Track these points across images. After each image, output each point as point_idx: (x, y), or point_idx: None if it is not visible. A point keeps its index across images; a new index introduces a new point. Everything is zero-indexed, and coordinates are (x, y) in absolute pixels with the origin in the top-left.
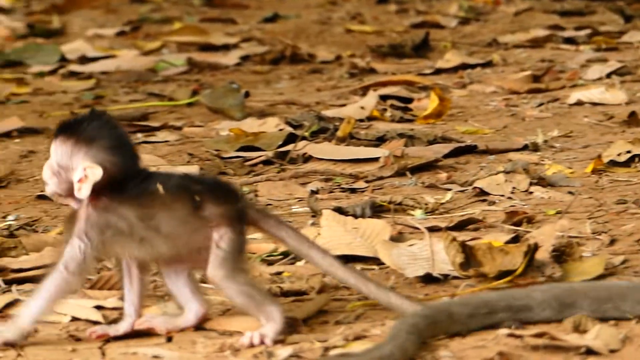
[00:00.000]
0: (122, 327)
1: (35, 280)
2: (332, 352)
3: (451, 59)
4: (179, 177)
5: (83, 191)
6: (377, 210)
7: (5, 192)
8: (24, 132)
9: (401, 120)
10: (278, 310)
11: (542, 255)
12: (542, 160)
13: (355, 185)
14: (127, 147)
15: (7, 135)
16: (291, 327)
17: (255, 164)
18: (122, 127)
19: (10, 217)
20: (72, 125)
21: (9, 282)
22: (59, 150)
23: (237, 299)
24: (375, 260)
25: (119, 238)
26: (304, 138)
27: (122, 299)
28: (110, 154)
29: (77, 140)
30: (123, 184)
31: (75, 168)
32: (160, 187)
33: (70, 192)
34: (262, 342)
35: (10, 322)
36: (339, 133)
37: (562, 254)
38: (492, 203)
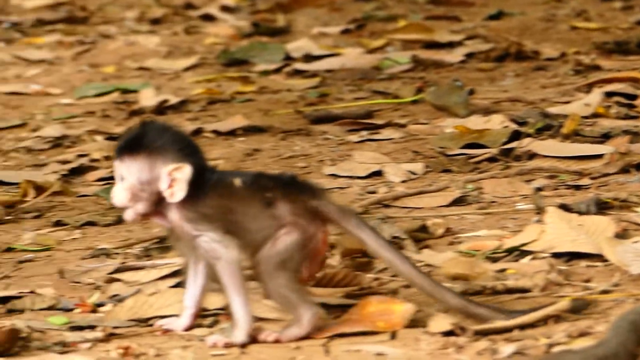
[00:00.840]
0: (182, 322)
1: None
2: (556, 349)
3: None
4: (253, 174)
5: (178, 193)
6: (602, 207)
7: None
8: (248, 130)
9: (626, 117)
10: (310, 315)
11: None
12: None
13: (579, 182)
14: (194, 144)
15: (232, 133)
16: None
17: (480, 161)
18: (177, 128)
19: None
20: (134, 140)
21: None
22: (133, 169)
23: (271, 296)
24: (600, 257)
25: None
26: (528, 135)
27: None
28: (186, 151)
29: (148, 151)
30: (201, 180)
31: (159, 177)
32: (237, 181)
33: (157, 207)
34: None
35: (234, 324)
36: (564, 130)
37: None
38: None
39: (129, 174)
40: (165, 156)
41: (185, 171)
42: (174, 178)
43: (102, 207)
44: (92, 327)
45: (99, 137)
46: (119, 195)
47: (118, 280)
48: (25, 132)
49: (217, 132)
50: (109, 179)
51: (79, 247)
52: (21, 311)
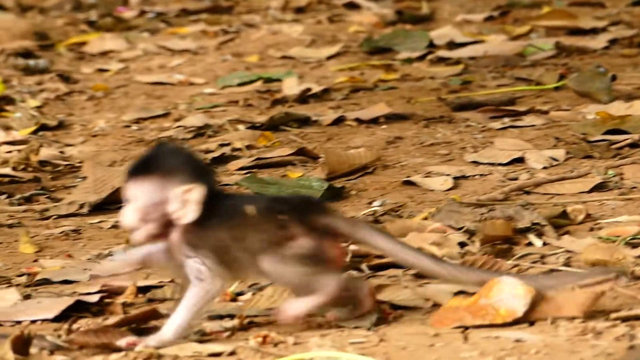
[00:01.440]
0: None
1: (393, 266)
2: None
3: None
4: (266, 199)
5: (190, 213)
6: None
7: (372, 178)
8: (391, 118)
9: None
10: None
11: None
12: None
13: None
14: (207, 167)
15: (375, 121)
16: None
17: (621, 147)
18: (190, 150)
19: (375, 203)
20: (146, 162)
21: (373, 268)
22: (144, 190)
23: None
24: None
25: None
26: None
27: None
28: (198, 171)
29: (161, 172)
30: (211, 203)
31: (170, 198)
32: (250, 209)
33: (166, 229)
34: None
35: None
36: None
37: None
38: None
39: (140, 195)
40: (179, 176)
41: (198, 191)
42: (186, 199)
43: None
44: (231, 316)
45: (241, 127)
46: (129, 216)
47: None
48: (168, 122)
49: (359, 120)
50: (251, 168)
51: None
52: (161, 300)
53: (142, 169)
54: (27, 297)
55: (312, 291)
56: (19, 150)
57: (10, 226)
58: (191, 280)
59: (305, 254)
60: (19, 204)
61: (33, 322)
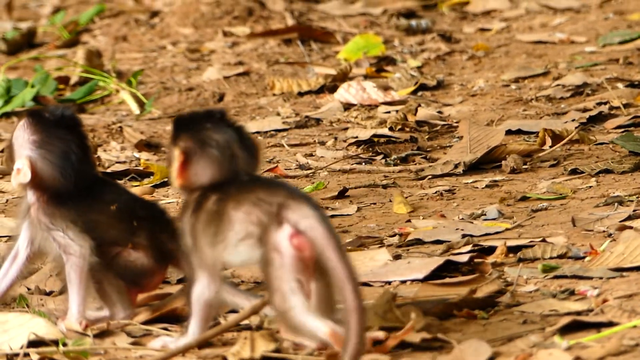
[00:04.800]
0: None
1: None
2: None
3: None
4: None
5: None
6: None
7: None
8: None
9: None
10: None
11: None
12: None
13: None
14: None
15: None
16: None
17: None
18: None
19: None
20: None
21: None
22: None
23: None
24: None
25: None
26: None
27: None
28: None
29: None
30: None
31: None
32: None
33: None
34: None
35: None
36: None
37: None
38: None
39: None
40: None
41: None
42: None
43: (619, 155)
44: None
45: (619, 85)
46: None
47: (630, 227)
48: (547, 81)
49: None
50: (628, 126)
51: (594, 195)
52: (531, 260)
53: None
54: (397, 257)
55: (105, 302)
56: (396, 111)
57: (385, 186)
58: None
59: (127, 266)
60: (395, 164)
61: (402, 282)
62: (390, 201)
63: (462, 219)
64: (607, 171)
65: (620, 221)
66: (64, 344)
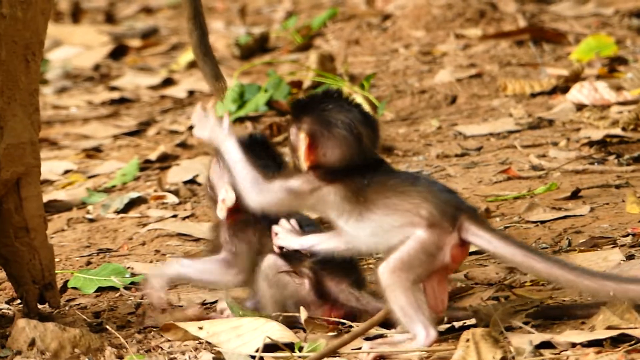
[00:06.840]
0: None
1: None
2: None
3: None
4: None
5: None
6: None
7: None
8: None
9: None
10: None
11: None
12: None
13: None
14: None
15: None
16: None
17: None
18: None
19: None
20: None
21: None
22: None
23: None
24: None
25: None
26: None
27: None
28: None
29: None
30: None
31: None
32: None
33: None
34: None
35: None
36: None
37: None
38: None
39: None
40: None
41: None
42: None
43: None
44: None
45: None
46: None
47: None
48: None
49: None
50: None
51: None
52: None
53: None
54: (630, 257)
55: None
56: (629, 111)
57: (618, 186)
58: None
59: None
60: (628, 164)
61: None
62: (623, 201)
63: None
64: None
65: None
66: (300, 348)
